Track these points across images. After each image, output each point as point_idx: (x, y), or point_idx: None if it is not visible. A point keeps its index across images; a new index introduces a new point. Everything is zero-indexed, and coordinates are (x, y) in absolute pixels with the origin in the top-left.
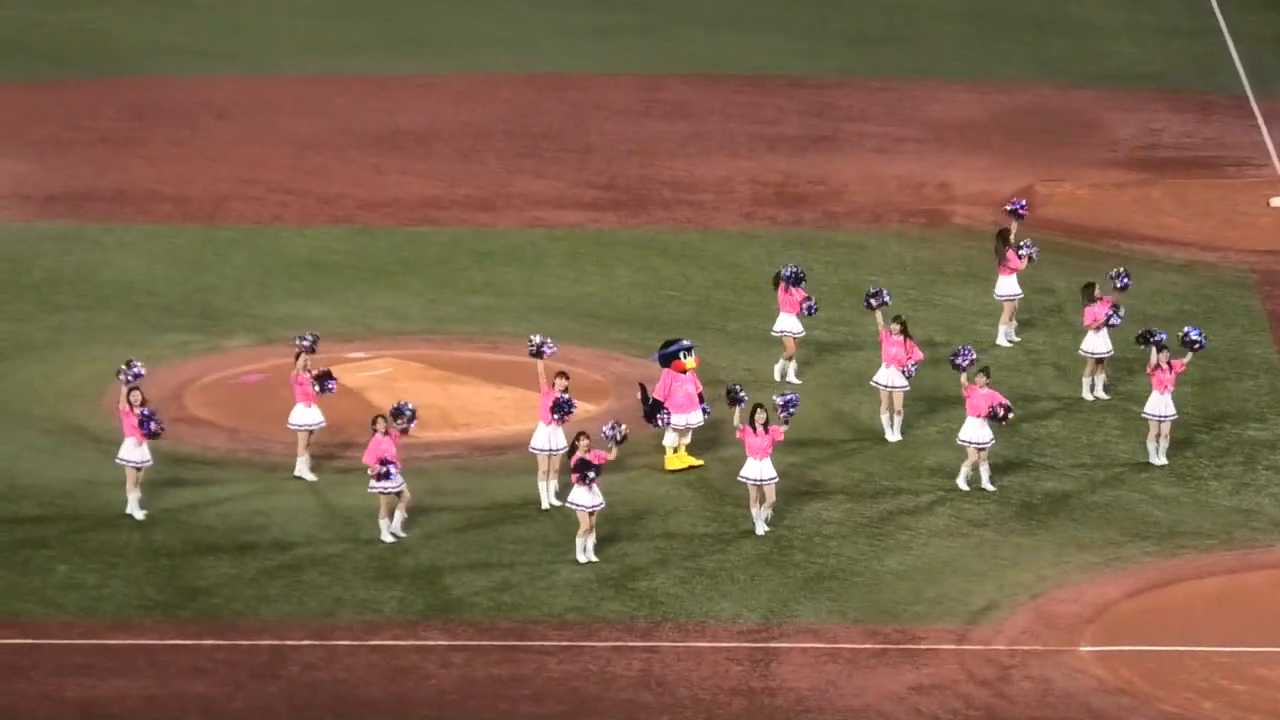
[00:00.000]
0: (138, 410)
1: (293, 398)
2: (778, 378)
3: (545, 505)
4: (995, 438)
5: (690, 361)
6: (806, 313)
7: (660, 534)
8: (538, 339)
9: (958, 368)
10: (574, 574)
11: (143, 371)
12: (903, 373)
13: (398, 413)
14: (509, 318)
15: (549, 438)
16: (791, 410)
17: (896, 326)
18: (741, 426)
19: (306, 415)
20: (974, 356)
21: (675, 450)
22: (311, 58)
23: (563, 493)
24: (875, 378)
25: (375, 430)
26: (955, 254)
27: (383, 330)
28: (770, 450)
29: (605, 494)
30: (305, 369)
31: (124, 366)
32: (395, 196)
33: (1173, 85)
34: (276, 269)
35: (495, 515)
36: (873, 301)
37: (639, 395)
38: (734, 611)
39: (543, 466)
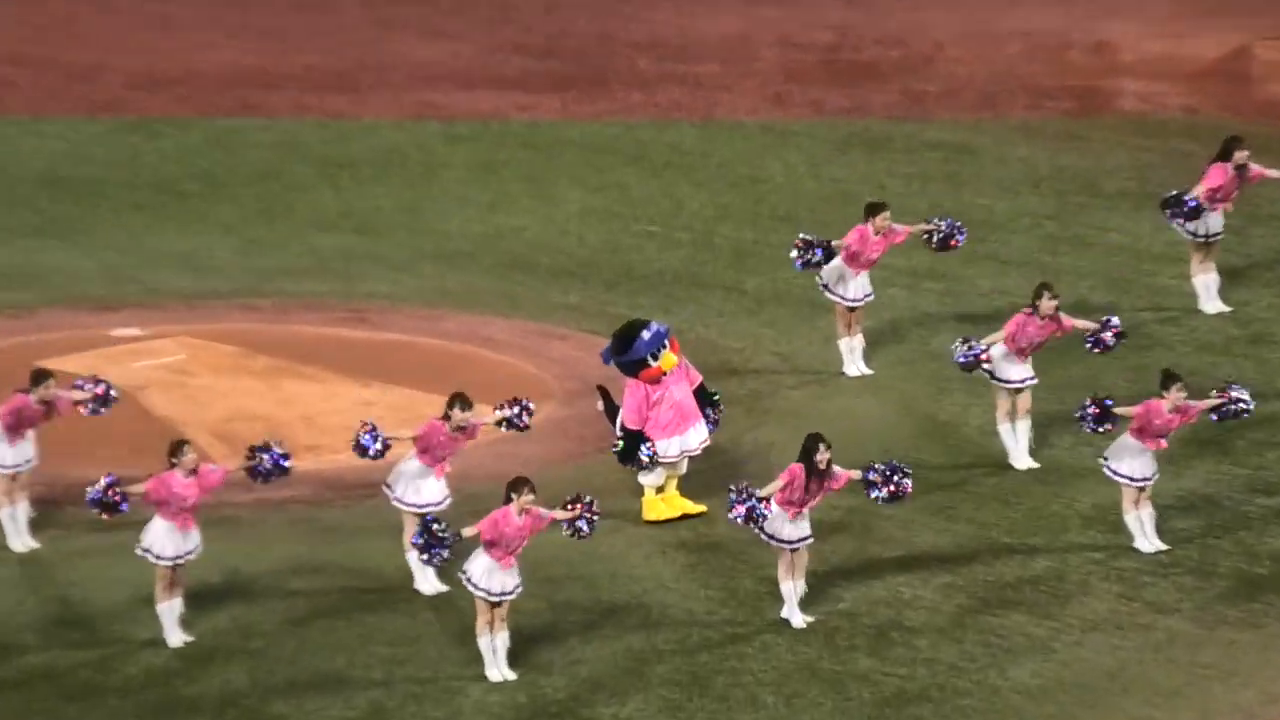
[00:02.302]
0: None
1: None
2: (853, 370)
3: (427, 589)
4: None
5: (667, 359)
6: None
7: (636, 626)
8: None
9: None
10: (490, 695)
11: None
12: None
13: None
14: (382, 269)
15: (430, 488)
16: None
17: (1052, 302)
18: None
19: (11, 453)
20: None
21: (660, 490)
22: None
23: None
24: (998, 371)
25: (173, 464)
26: (1120, 159)
27: (171, 290)
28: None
29: (545, 562)
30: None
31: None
32: (191, 69)
33: None
34: None
35: (361, 597)
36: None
37: (600, 405)
38: None
39: (411, 530)
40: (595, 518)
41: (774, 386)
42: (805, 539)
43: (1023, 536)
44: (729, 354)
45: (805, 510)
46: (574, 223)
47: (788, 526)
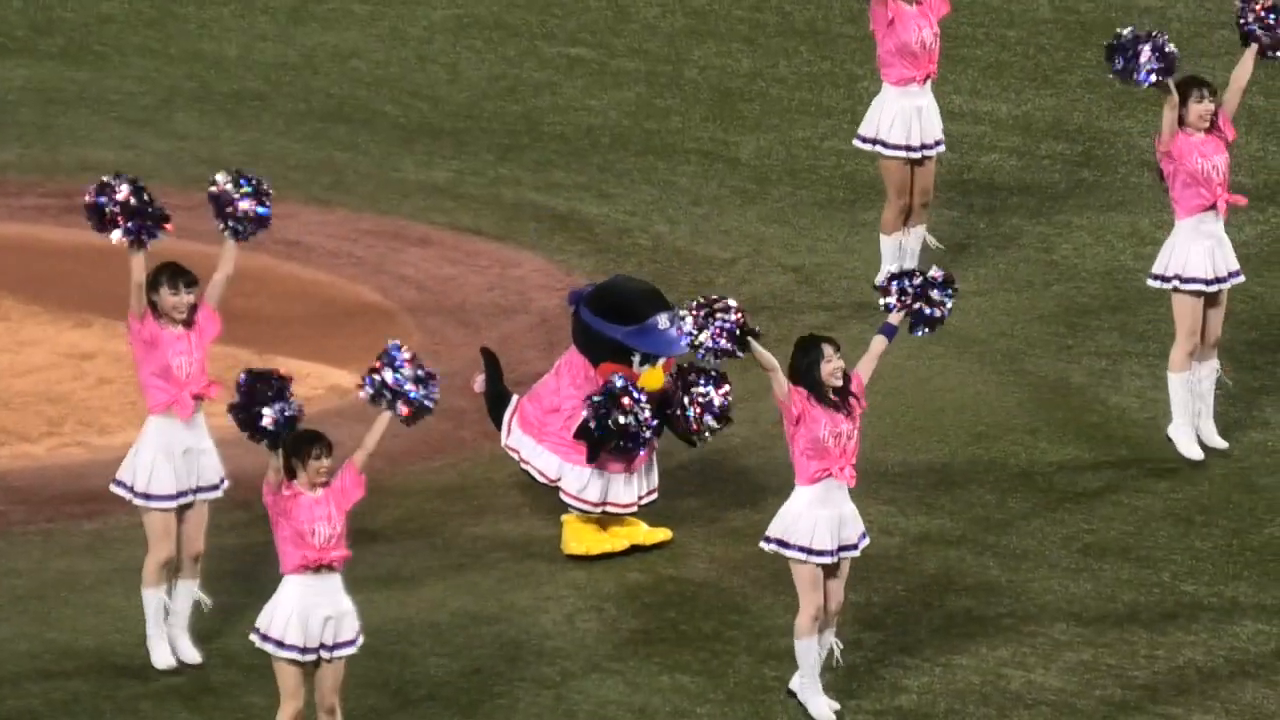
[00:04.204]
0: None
1: None
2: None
3: (163, 661)
4: None
5: (654, 375)
6: None
7: None
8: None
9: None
10: None
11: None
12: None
13: None
14: (109, 122)
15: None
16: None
17: (1207, 105)
18: (792, 395)
19: None
20: None
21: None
22: None
23: (229, 634)
24: (1175, 265)
25: None
26: None
27: None
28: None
29: (379, 629)
30: None
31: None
32: None
33: None
34: None
35: (63, 684)
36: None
37: (478, 382)
38: None
39: (158, 556)
40: (425, 379)
41: (787, 325)
42: (854, 546)
43: (1215, 581)
44: (711, 269)
45: (850, 470)
46: (440, 43)
47: (822, 523)
